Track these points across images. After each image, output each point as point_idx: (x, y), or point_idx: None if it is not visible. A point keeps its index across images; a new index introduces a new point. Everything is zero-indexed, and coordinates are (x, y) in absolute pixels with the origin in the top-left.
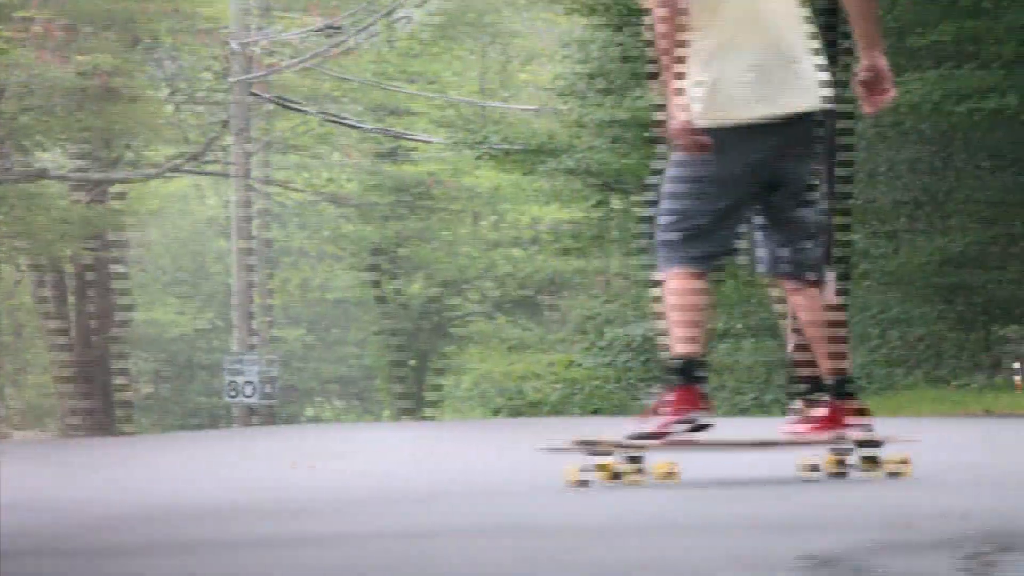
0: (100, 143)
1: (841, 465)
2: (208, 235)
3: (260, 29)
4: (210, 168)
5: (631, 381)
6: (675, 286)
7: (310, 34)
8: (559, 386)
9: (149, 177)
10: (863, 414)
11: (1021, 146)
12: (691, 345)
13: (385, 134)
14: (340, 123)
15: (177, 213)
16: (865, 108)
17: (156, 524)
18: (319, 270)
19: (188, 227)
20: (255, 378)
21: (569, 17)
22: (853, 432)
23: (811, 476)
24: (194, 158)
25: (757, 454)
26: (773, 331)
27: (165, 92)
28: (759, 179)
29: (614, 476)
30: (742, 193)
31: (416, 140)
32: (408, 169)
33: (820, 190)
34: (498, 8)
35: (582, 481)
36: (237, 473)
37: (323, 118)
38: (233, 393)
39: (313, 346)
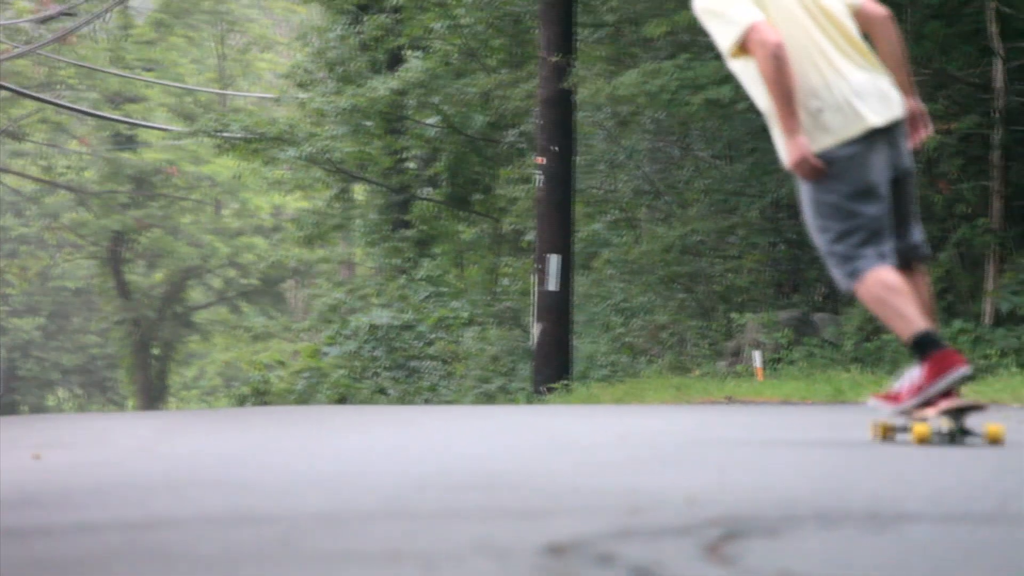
0: None
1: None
2: None
3: None
4: None
5: (377, 370)
6: (874, 286)
7: (44, 20)
8: (306, 375)
9: None
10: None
11: (757, 136)
12: (919, 322)
13: (122, 122)
14: (76, 111)
15: None
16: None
17: None
18: (59, 259)
19: None
20: None
21: (307, 5)
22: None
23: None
24: None
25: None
26: (517, 320)
27: None
28: (884, 170)
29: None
30: (878, 190)
31: (154, 128)
32: (147, 157)
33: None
34: None
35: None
36: None
37: (59, 105)
38: None
39: (53, 335)
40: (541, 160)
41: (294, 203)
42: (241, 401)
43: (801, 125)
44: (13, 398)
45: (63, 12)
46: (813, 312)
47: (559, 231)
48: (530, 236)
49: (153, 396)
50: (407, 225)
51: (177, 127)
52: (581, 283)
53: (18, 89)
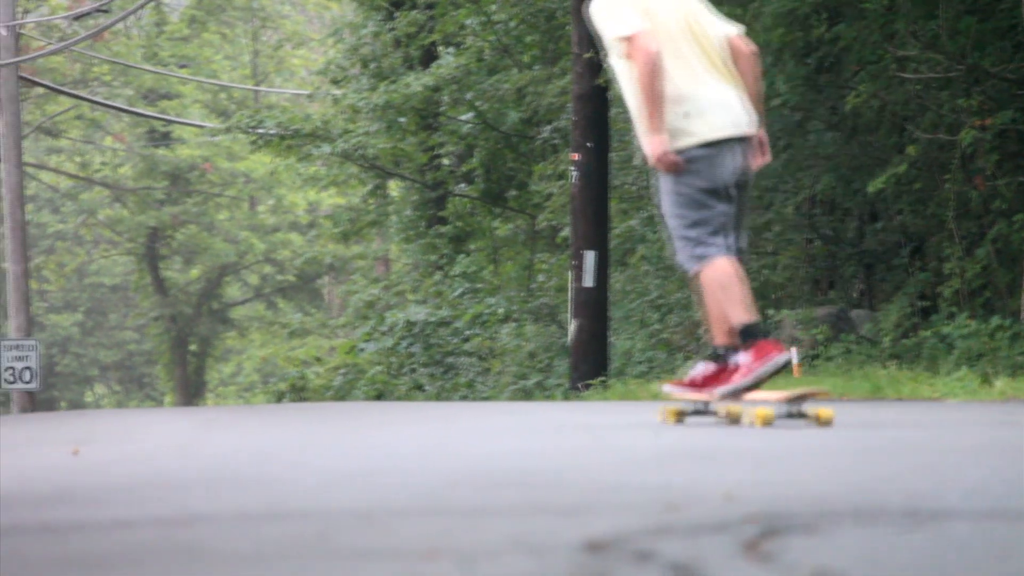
0: None
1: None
2: None
3: (27, 12)
4: None
5: (414, 367)
6: (719, 273)
7: (79, 17)
8: (342, 371)
9: None
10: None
11: (791, 132)
12: (750, 313)
13: (157, 118)
14: (111, 107)
15: None
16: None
17: None
18: (95, 255)
19: None
20: (34, 364)
21: (340, 2)
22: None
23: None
24: None
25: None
26: (554, 316)
27: None
28: (733, 175)
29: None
30: (727, 191)
31: (189, 124)
32: (182, 153)
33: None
34: None
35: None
36: (11, 459)
37: (94, 102)
38: (12, 379)
39: (91, 331)
40: (576, 156)
41: (329, 199)
42: (278, 397)
43: (664, 125)
44: (51, 394)
45: (97, 9)
46: (850, 308)
47: (595, 227)
48: (566, 232)
49: (190, 392)
50: (442, 221)
51: (212, 124)
52: (617, 279)
53: (53, 86)
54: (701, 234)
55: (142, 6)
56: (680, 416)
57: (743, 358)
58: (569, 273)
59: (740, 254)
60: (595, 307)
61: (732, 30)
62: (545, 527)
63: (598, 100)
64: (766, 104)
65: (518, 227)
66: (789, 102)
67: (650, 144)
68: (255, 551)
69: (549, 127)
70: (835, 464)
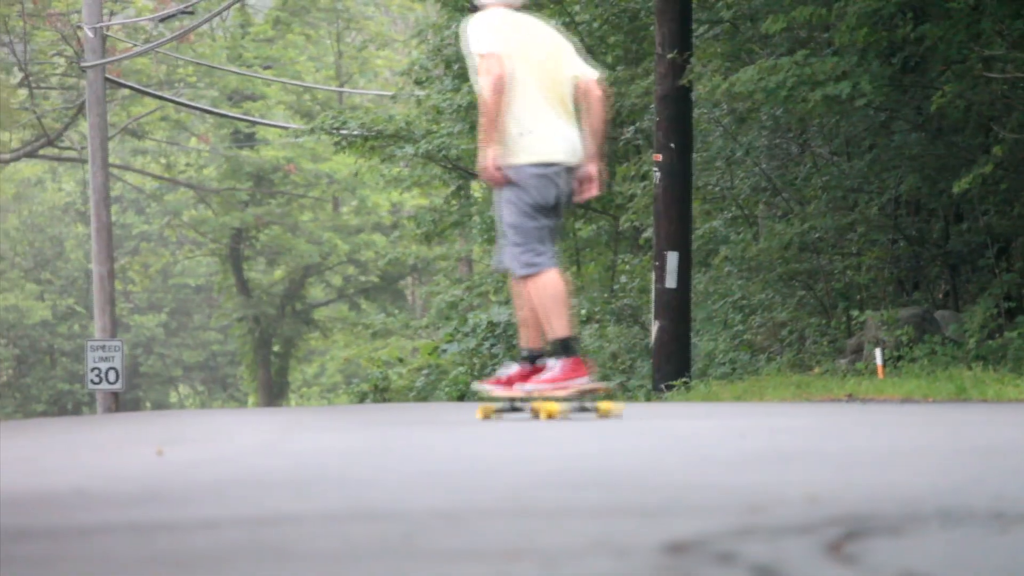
0: None
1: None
2: (66, 220)
3: (113, 15)
4: (67, 154)
5: (496, 367)
6: (549, 284)
7: (164, 19)
8: (425, 372)
9: (4, 162)
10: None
11: (875, 133)
12: (568, 328)
13: (241, 119)
14: (196, 109)
15: (34, 199)
16: (577, 198)
17: (12, 510)
18: (180, 256)
19: (46, 213)
20: (119, 364)
21: (424, 3)
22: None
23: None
24: (50, 143)
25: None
26: (636, 317)
27: (18, 77)
28: (562, 195)
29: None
30: (557, 208)
31: (273, 125)
32: (266, 154)
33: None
34: None
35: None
36: (97, 459)
37: (179, 103)
38: (97, 379)
39: (175, 332)
40: (659, 157)
41: (412, 200)
42: (361, 398)
43: (497, 141)
44: (136, 395)
45: (182, 11)
46: (934, 309)
47: (677, 228)
48: (648, 233)
49: (274, 393)
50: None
51: (296, 125)
52: (700, 280)
53: (139, 87)
54: (533, 244)
55: (227, 8)
56: (491, 413)
57: (553, 365)
58: (652, 274)
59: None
60: (678, 308)
61: (589, 74)
62: (627, 528)
63: (681, 101)
64: (849, 104)
65: (601, 228)
66: (874, 102)
67: (481, 156)
68: (341, 551)
69: (632, 128)
70: (921, 466)
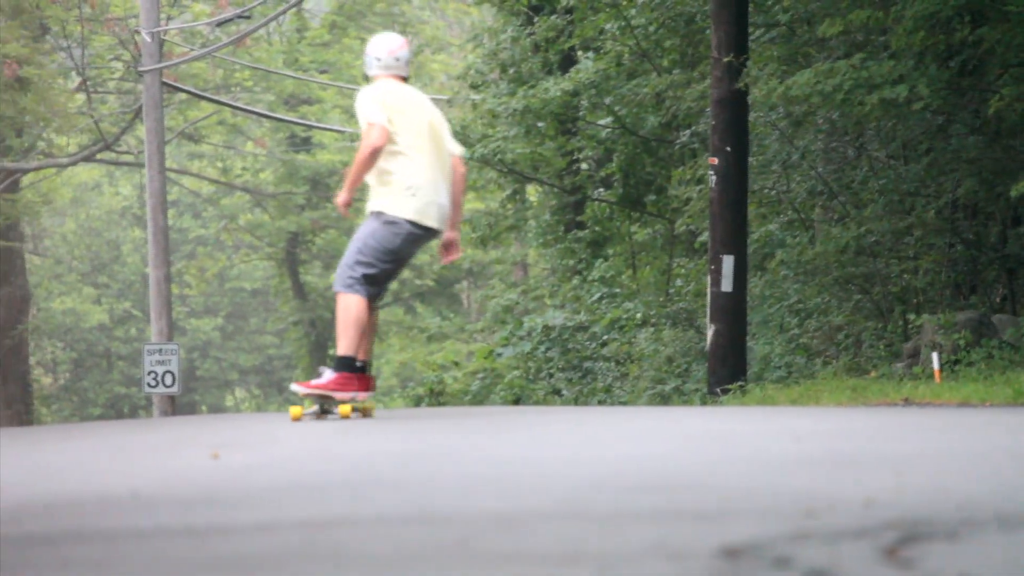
0: (12, 132)
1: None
2: (123, 224)
3: (170, 19)
4: (124, 158)
5: (551, 371)
6: (355, 307)
7: (220, 23)
8: (480, 375)
9: (62, 166)
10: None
11: (932, 136)
12: (356, 349)
13: (298, 123)
14: (252, 113)
15: (91, 203)
16: (442, 261)
17: (70, 512)
18: (236, 260)
19: (103, 216)
20: (175, 368)
21: (480, 7)
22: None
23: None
24: (107, 147)
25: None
26: (692, 321)
27: (75, 82)
28: (410, 254)
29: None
30: (401, 262)
31: (329, 130)
32: (322, 158)
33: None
34: None
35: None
36: (153, 462)
37: (235, 108)
38: (153, 383)
39: (231, 336)
40: (714, 161)
41: (468, 204)
42: (416, 402)
43: (354, 188)
44: (192, 398)
45: (239, 15)
46: (992, 313)
47: (733, 232)
48: (704, 237)
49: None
50: (581, 226)
51: (352, 129)
52: (755, 284)
53: (196, 91)
54: (364, 275)
55: (283, 12)
56: (300, 415)
57: (328, 374)
58: (707, 278)
59: (377, 305)
60: (733, 312)
61: (457, 149)
62: (683, 532)
63: (737, 104)
64: (906, 108)
65: (656, 232)
66: (931, 106)
67: (342, 193)
68: (396, 554)
69: (688, 131)
70: (978, 470)
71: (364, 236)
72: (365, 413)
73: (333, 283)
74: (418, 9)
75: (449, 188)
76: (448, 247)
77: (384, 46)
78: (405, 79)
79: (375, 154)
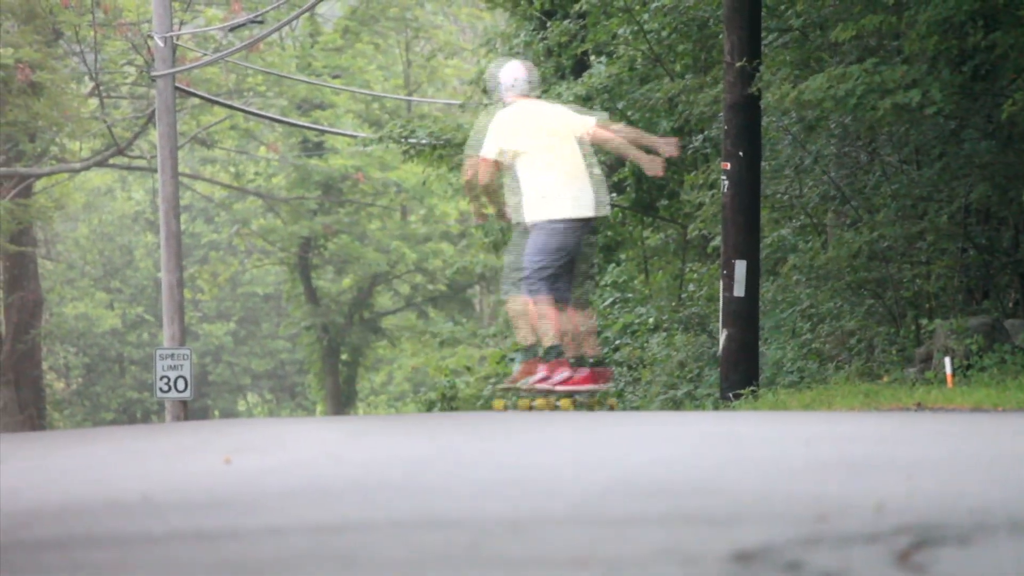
0: (25, 137)
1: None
2: (135, 229)
3: (183, 24)
4: (136, 163)
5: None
6: (543, 308)
7: (233, 28)
8: (492, 380)
9: (75, 171)
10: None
11: (945, 141)
12: (557, 337)
13: (310, 128)
14: (265, 117)
15: (104, 208)
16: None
17: (82, 517)
18: (248, 265)
19: (116, 221)
20: (187, 373)
21: (493, 12)
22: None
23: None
24: (120, 152)
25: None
26: (704, 325)
27: (88, 86)
28: (573, 244)
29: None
30: (567, 253)
31: (342, 135)
32: (335, 163)
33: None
34: (421, 3)
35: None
36: (165, 467)
37: (248, 112)
38: (166, 388)
39: (244, 340)
40: (727, 166)
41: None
42: (429, 407)
43: (478, 208)
44: (204, 403)
45: (252, 20)
46: (1004, 318)
47: (745, 237)
48: (717, 242)
49: (341, 401)
50: (592, 231)
51: (364, 134)
52: (768, 289)
53: (208, 96)
54: (541, 275)
55: (296, 17)
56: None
57: (545, 372)
58: (719, 283)
59: (567, 301)
60: (745, 317)
61: (590, 121)
62: (694, 537)
63: (750, 109)
64: (919, 112)
65: (669, 236)
66: (944, 110)
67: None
68: (407, 559)
69: (700, 136)
70: (991, 475)
71: (522, 246)
72: (599, 404)
73: (504, 292)
74: (431, 14)
75: (583, 173)
76: (656, 163)
77: (509, 73)
78: (533, 95)
79: (474, 182)
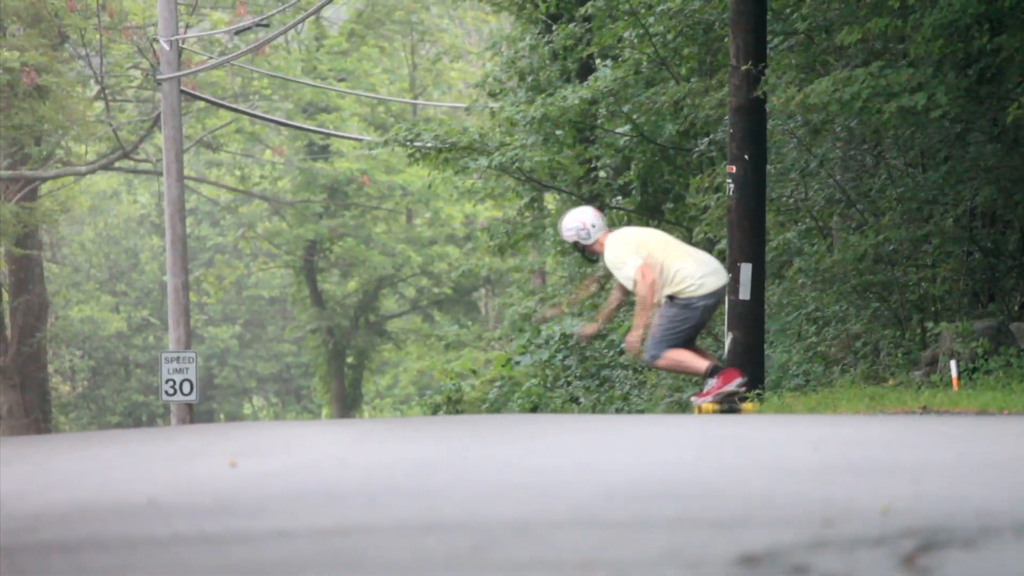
0: (30, 140)
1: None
2: (141, 232)
3: (188, 27)
4: (142, 166)
5: (569, 379)
6: (675, 358)
7: (239, 31)
8: (498, 384)
9: (81, 175)
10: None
11: (950, 144)
12: (705, 368)
13: (316, 132)
14: (271, 121)
15: (109, 211)
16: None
17: (87, 520)
18: (254, 268)
19: (121, 225)
20: (193, 376)
21: (498, 16)
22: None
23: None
24: (125, 155)
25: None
26: (709, 329)
27: (94, 90)
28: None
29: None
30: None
31: (347, 138)
32: (340, 166)
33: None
34: (427, 6)
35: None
36: (170, 470)
37: (253, 116)
38: (171, 391)
39: (249, 344)
40: (732, 169)
41: (486, 212)
42: (434, 410)
43: (644, 326)
44: (210, 406)
45: (257, 23)
46: (1010, 321)
47: (751, 240)
48: (722, 245)
49: (347, 404)
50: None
51: (370, 137)
52: (773, 292)
53: (214, 100)
54: (672, 338)
55: (302, 20)
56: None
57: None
58: None
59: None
60: (751, 320)
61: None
62: (700, 540)
63: (755, 112)
64: (925, 116)
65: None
66: (949, 114)
67: (632, 334)
68: (412, 562)
69: (706, 139)
70: (996, 479)
71: (665, 319)
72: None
73: (646, 357)
74: (436, 17)
75: (706, 256)
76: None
77: (590, 216)
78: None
79: (653, 286)
